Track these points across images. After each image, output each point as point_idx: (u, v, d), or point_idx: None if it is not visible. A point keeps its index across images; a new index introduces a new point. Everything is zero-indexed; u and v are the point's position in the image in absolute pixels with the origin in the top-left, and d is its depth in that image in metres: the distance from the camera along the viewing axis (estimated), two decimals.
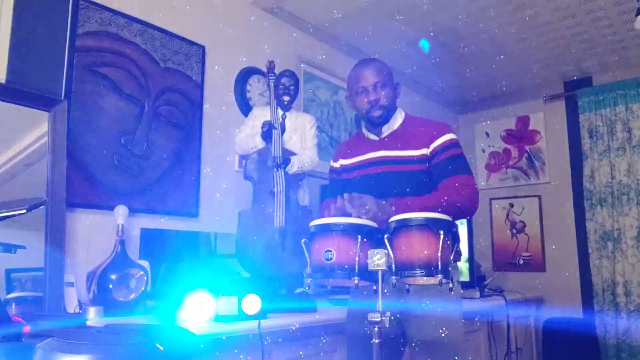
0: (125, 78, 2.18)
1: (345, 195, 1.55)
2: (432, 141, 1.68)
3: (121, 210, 1.96)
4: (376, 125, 1.76)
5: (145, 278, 1.88)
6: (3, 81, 1.79)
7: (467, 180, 1.64)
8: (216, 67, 2.61)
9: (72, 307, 1.77)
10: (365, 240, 1.27)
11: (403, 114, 1.81)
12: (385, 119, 1.75)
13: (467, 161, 1.70)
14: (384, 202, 1.53)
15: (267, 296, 1.89)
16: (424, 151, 1.68)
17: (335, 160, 1.89)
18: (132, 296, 1.84)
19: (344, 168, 1.85)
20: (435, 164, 1.67)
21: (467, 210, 1.62)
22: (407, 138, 1.72)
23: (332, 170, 1.91)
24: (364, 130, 1.84)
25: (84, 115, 2.02)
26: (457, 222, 1.46)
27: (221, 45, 2.64)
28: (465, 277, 3.18)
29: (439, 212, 1.36)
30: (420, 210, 1.45)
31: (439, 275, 1.20)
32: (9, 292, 1.69)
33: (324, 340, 1.95)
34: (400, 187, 1.66)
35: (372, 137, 1.80)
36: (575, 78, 4.05)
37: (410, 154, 1.69)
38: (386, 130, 1.77)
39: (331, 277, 1.28)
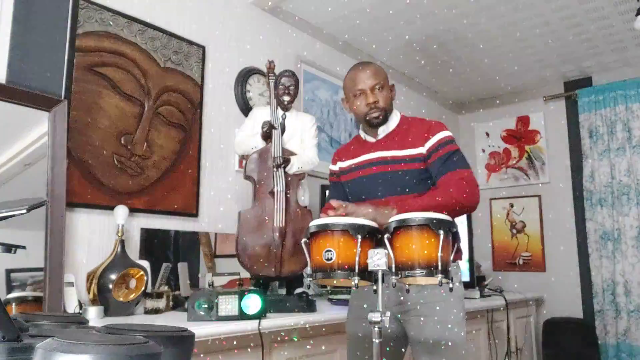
0: (125, 78, 2.18)
1: (335, 204, 1.53)
2: (427, 140, 1.68)
3: (121, 210, 1.96)
4: (374, 126, 1.76)
5: (145, 278, 1.88)
6: (3, 81, 1.79)
7: (466, 174, 1.63)
8: (216, 67, 2.61)
9: (72, 307, 1.77)
10: (365, 240, 1.27)
11: (399, 115, 1.81)
12: (384, 120, 1.75)
13: (464, 156, 1.69)
14: (385, 210, 1.50)
15: (267, 296, 1.90)
16: (420, 150, 1.68)
17: (334, 163, 1.91)
18: (132, 296, 1.84)
19: (342, 170, 1.86)
20: (432, 162, 1.66)
21: (468, 205, 1.60)
22: (403, 138, 1.72)
23: (331, 173, 1.93)
24: (361, 133, 1.85)
25: (84, 115, 2.02)
26: (457, 220, 1.46)
27: (221, 45, 2.64)
28: (465, 277, 3.18)
29: (439, 210, 1.36)
30: (422, 210, 1.45)
31: (439, 275, 1.20)
32: (9, 292, 1.69)
33: (324, 341, 1.95)
34: (397, 187, 1.67)
35: (369, 139, 1.80)
36: (575, 78, 4.05)
37: (407, 153, 1.69)
38: (382, 132, 1.77)
39: (331, 277, 1.28)
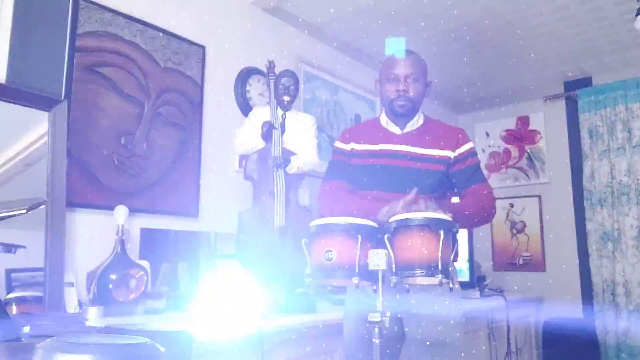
0: (125, 78, 2.18)
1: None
2: (458, 146, 1.69)
3: (121, 210, 1.96)
4: (398, 116, 1.71)
5: (145, 278, 1.88)
6: (3, 81, 1.79)
7: (490, 189, 1.73)
8: (216, 67, 2.61)
9: (72, 307, 1.77)
10: (365, 240, 1.27)
11: (422, 114, 1.77)
12: (408, 112, 1.70)
13: None
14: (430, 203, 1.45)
15: (267, 296, 1.89)
16: (448, 153, 1.67)
17: (346, 142, 1.77)
18: (132, 296, 1.84)
19: (354, 152, 1.75)
20: (459, 169, 1.68)
21: (490, 218, 1.72)
22: (430, 137, 1.70)
23: (340, 151, 1.78)
24: (383, 120, 1.77)
25: (84, 115, 2.02)
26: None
27: (221, 45, 2.64)
28: (465, 277, 3.17)
29: (469, 218, 1.47)
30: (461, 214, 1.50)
31: (439, 275, 1.20)
32: (9, 292, 1.69)
33: (324, 341, 1.95)
34: (412, 185, 1.57)
35: (394, 129, 1.74)
36: (575, 78, 4.05)
37: (433, 153, 1.67)
38: (410, 125, 1.73)
39: (331, 277, 1.28)
